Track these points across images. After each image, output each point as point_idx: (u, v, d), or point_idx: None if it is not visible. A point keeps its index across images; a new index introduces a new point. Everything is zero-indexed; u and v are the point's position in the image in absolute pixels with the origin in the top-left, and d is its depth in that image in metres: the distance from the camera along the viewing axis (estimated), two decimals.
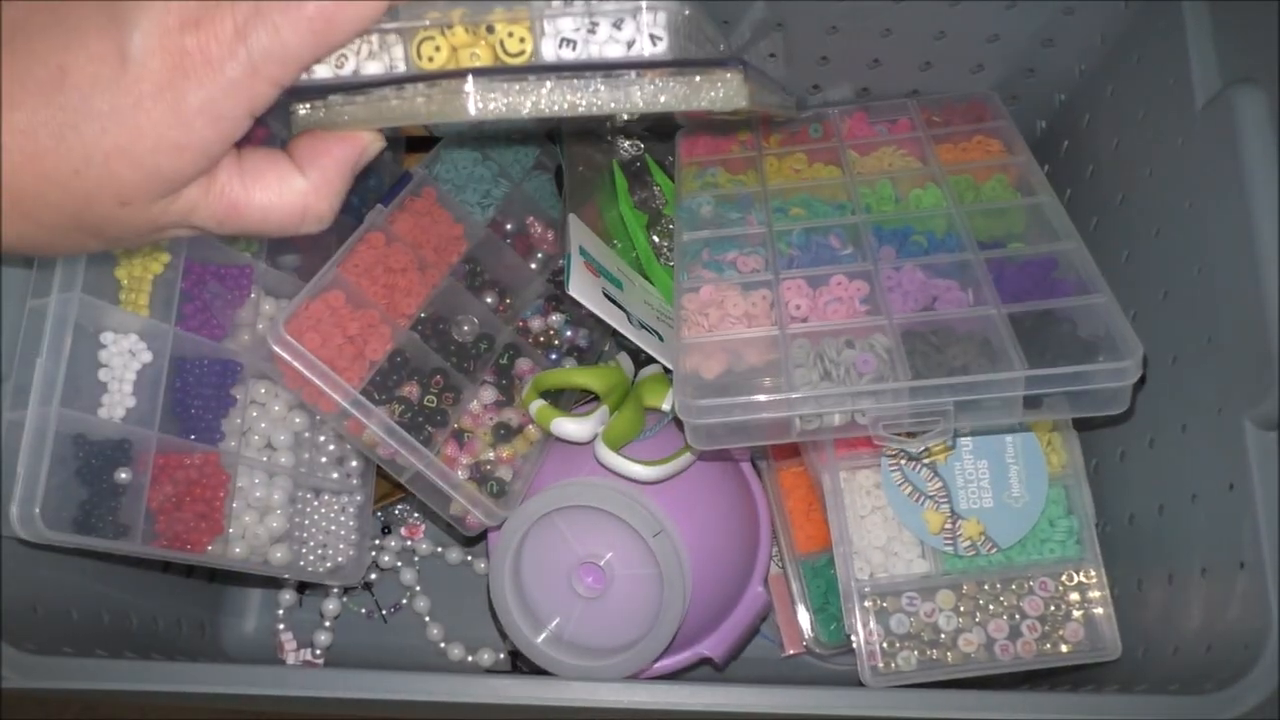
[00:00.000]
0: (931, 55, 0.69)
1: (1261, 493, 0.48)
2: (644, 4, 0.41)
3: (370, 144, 0.45)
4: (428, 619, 0.76)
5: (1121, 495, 0.60)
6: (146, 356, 0.58)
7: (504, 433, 0.63)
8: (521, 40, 0.42)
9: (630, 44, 0.42)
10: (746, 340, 0.56)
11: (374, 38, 0.43)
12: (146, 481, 0.57)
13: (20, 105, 0.36)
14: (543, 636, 0.60)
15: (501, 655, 0.74)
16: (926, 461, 0.60)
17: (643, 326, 0.65)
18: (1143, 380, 0.49)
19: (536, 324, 0.70)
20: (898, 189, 0.64)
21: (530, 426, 0.65)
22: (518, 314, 0.69)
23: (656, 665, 0.63)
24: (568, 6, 0.42)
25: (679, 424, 0.65)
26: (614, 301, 0.64)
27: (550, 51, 0.42)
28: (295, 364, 0.57)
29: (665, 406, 0.66)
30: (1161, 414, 0.57)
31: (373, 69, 0.43)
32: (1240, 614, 0.48)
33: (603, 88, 0.43)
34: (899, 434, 0.52)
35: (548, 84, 0.42)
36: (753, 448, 0.70)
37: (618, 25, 0.42)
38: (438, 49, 0.43)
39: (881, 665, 0.58)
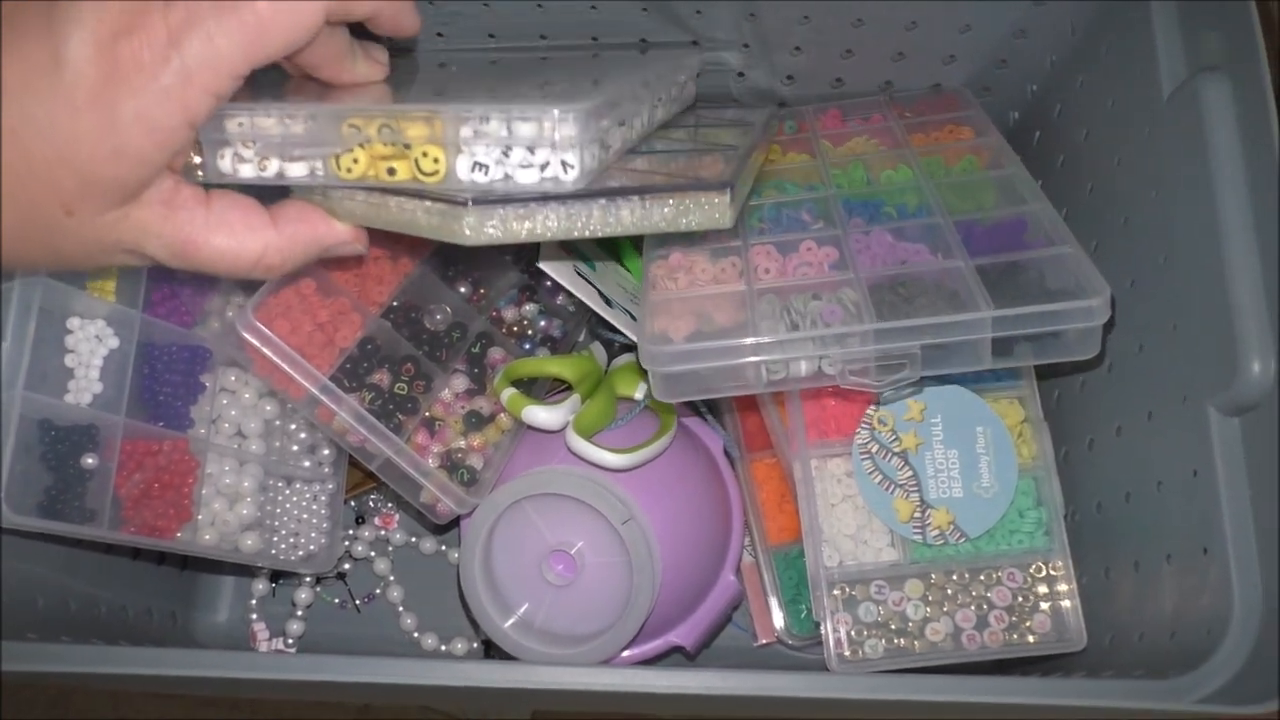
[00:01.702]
0: (904, 46, 0.69)
1: (1225, 479, 0.48)
2: (555, 111, 0.41)
3: (349, 244, 0.46)
4: (401, 609, 0.76)
5: (1090, 483, 0.60)
6: (114, 342, 0.57)
7: (475, 421, 0.63)
8: (436, 161, 0.43)
9: (544, 166, 0.43)
10: (714, 298, 0.55)
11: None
12: (114, 467, 0.56)
13: None
14: (511, 622, 0.60)
15: (475, 645, 0.74)
16: (898, 450, 0.60)
17: (615, 306, 0.65)
18: (1110, 325, 0.49)
19: (510, 314, 0.70)
20: (870, 171, 0.64)
21: (502, 415, 0.65)
22: (492, 304, 0.69)
23: (627, 654, 0.64)
24: (481, 126, 0.42)
25: (649, 409, 0.65)
26: (586, 280, 0.64)
27: (464, 173, 0.43)
28: (264, 350, 0.57)
29: (638, 395, 0.66)
30: (1128, 401, 0.57)
31: (296, 172, 0.44)
32: (1204, 600, 0.48)
33: (596, 213, 0.44)
34: (866, 380, 0.52)
35: (545, 212, 0.43)
36: (726, 438, 0.70)
37: (530, 149, 0.42)
38: (355, 161, 0.43)
39: (849, 653, 0.58)
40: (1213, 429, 0.49)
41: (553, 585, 0.60)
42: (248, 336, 0.56)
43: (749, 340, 0.51)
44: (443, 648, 0.74)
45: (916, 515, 0.60)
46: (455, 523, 0.64)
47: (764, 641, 0.72)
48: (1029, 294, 0.50)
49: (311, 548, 0.67)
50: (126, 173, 0.38)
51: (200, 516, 0.61)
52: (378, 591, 0.77)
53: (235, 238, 0.42)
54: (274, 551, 0.65)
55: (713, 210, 0.45)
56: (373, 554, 0.76)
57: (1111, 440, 0.58)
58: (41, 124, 0.37)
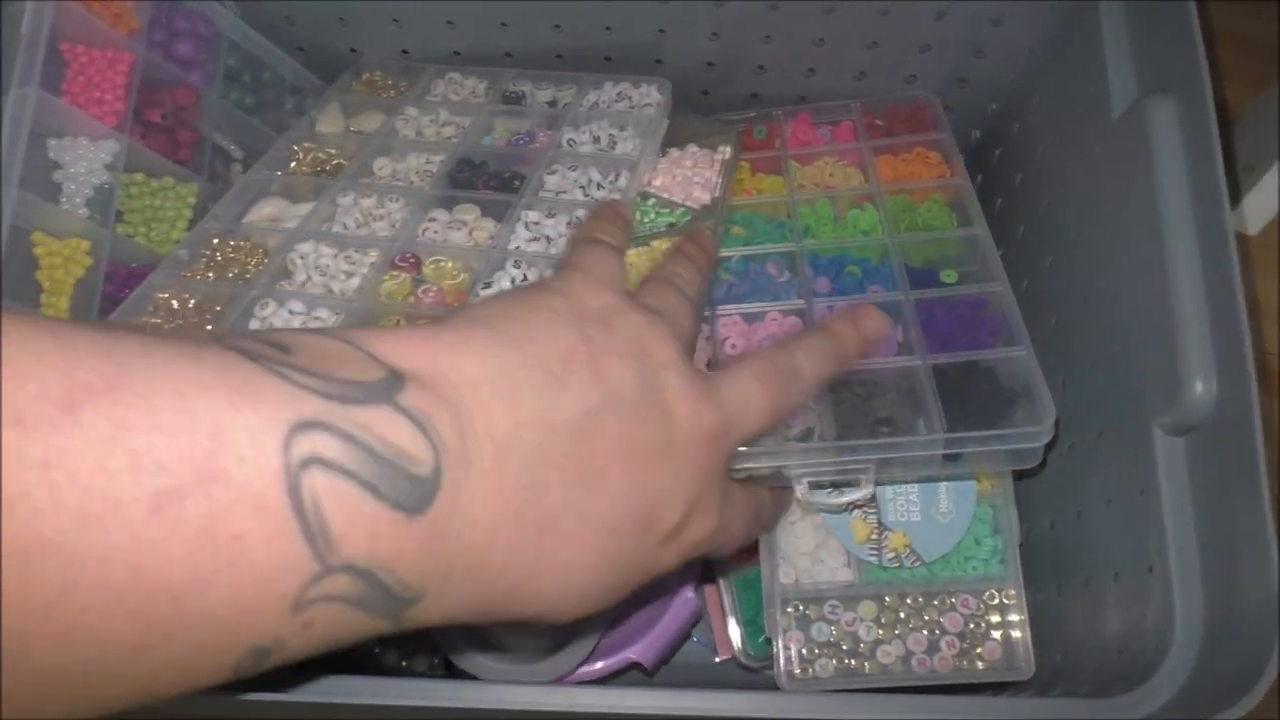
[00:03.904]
0: (865, 65, 0.70)
1: (1168, 498, 0.48)
2: None
3: None
4: None
5: (1044, 500, 0.61)
6: None
7: None
8: None
9: None
10: None
11: None
12: None
13: None
14: (465, 638, 0.60)
15: (435, 660, 0.74)
16: None
17: None
18: (1055, 437, 0.51)
19: None
20: (836, 208, 0.65)
21: None
22: None
23: (585, 670, 0.63)
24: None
25: None
26: None
27: None
28: None
29: None
30: (1080, 420, 0.57)
31: None
32: (1149, 618, 0.49)
33: None
34: (823, 500, 0.54)
35: None
36: None
37: None
38: None
39: (799, 671, 0.58)
40: (1157, 448, 0.49)
41: None
42: None
43: None
44: (403, 663, 0.74)
45: (873, 537, 0.60)
46: None
47: (724, 657, 0.72)
48: (981, 409, 0.53)
49: None
50: None
51: None
52: None
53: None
54: None
55: None
56: None
57: (1065, 457, 0.59)
58: None
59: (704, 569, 0.69)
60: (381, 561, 0.29)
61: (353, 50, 0.73)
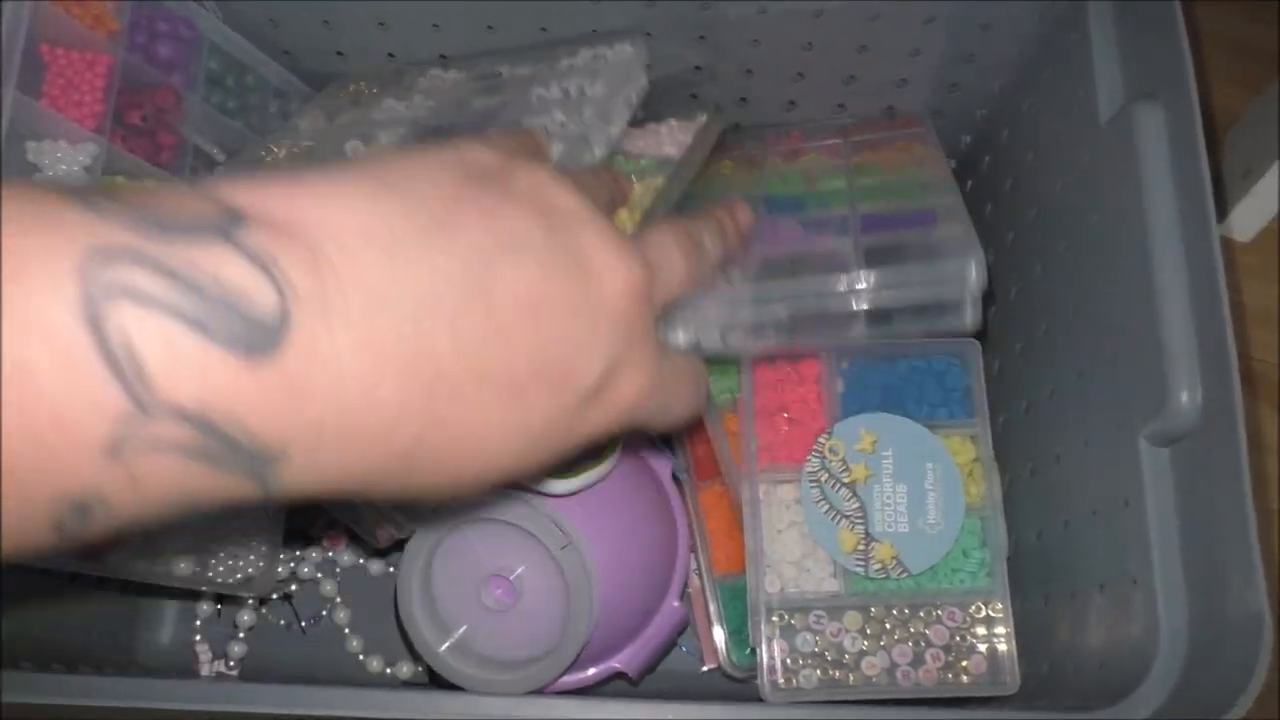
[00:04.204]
0: (855, 69, 0.70)
1: (1153, 509, 0.48)
2: None
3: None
4: (347, 630, 0.75)
5: (1031, 510, 0.60)
6: None
7: None
8: None
9: None
10: None
11: None
12: None
13: None
14: (445, 646, 0.59)
15: (420, 668, 0.73)
16: (847, 481, 0.60)
17: None
18: (991, 298, 0.48)
19: None
20: (807, 181, 0.64)
21: None
22: None
23: (569, 680, 0.63)
24: None
25: None
26: None
27: None
28: None
29: None
30: (1067, 429, 0.57)
31: None
32: (1133, 630, 0.48)
33: None
34: (740, 341, 0.51)
35: None
36: (675, 462, 0.70)
37: None
38: None
39: (782, 681, 0.57)
40: (1143, 459, 0.49)
41: (491, 610, 0.59)
42: None
43: None
44: (388, 670, 0.74)
45: (860, 547, 0.59)
46: (403, 545, 0.63)
47: (711, 666, 0.72)
48: (902, 261, 0.50)
49: (251, 571, 0.66)
50: None
51: (132, 540, 0.60)
52: (324, 613, 0.76)
53: None
54: (211, 574, 0.65)
55: None
56: (320, 575, 0.76)
57: (1052, 467, 0.58)
58: None
59: (688, 578, 0.69)
60: (220, 408, 0.26)
61: (339, 53, 0.72)
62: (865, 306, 0.49)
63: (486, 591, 0.59)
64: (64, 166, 0.56)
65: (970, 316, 0.48)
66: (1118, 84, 0.55)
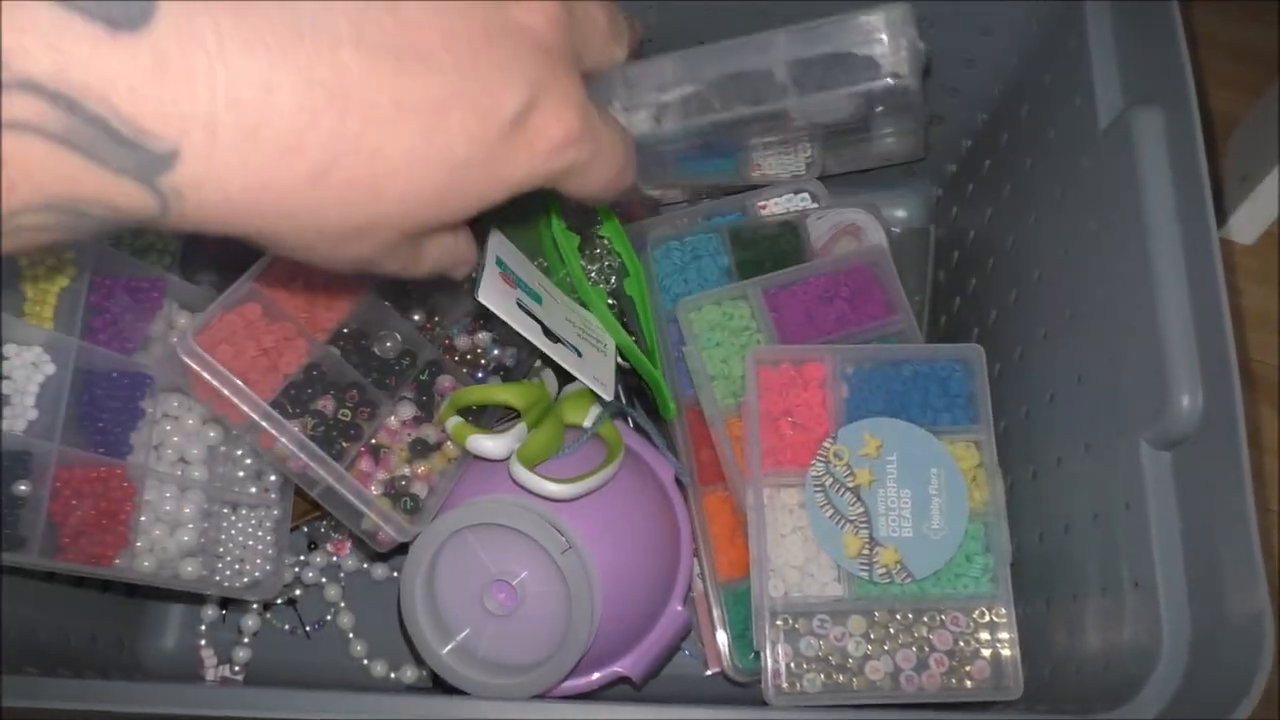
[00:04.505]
0: None
1: (1155, 512, 0.48)
2: None
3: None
4: (351, 635, 0.75)
5: (1032, 514, 0.60)
6: (50, 369, 0.57)
7: (421, 449, 0.63)
8: None
9: None
10: None
11: None
12: (47, 494, 0.56)
13: None
14: (448, 649, 0.59)
15: (424, 672, 0.73)
16: (851, 485, 0.60)
17: (559, 341, 0.64)
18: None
19: (463, 342, 0.70)
20: None
21: (448, 443, 0.64)
22: (444, 332, 0.69)
23: (573, 684, 0.63)
24: None
25: (598, 437, 0.65)
26: (528, 314, 0.63)
27: None
28: (205, 375, 0.56)
29: (587, 423, 0.66)
30: (1067, 433, 0.57)
31: None
32: (1135, 634, 0.48)
33: None
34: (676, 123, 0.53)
35: None
36: (678, 466, 0.70)
37: None
38: None
39: (786, 685, 0.57)
40: (1144, 462, 0.49)
41: (494, 615, 0.59)
42: (188, 361, 0.56)
43: None
44: (392, 675, 0.74)
45: (864, 552, 0.59)
46: (405, 549, 0.63)
47: (714, 670, 0.72)
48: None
49: (256, 574, 0.67)
50: None
51: (138, 543, 0.60)
52: (328, 618, 0.76)
53: None
54: (217, 578, 0.65)
55: None
56: (324, 580, 0.76)
57: (1053, 471, 0.58)
58: None
59: (692, 582, 0.69)
60: (82, 83, 0.24)
61: None
62: (783, 58, 0.49)
63: (489, 596, 0.60)
64: None
65: (891, 67, 0.49)
66: (1116, 89, 0.56)
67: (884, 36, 0.47)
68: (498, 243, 0.66)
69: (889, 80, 0.47)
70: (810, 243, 0.73)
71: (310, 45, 0.27)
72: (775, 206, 0.75)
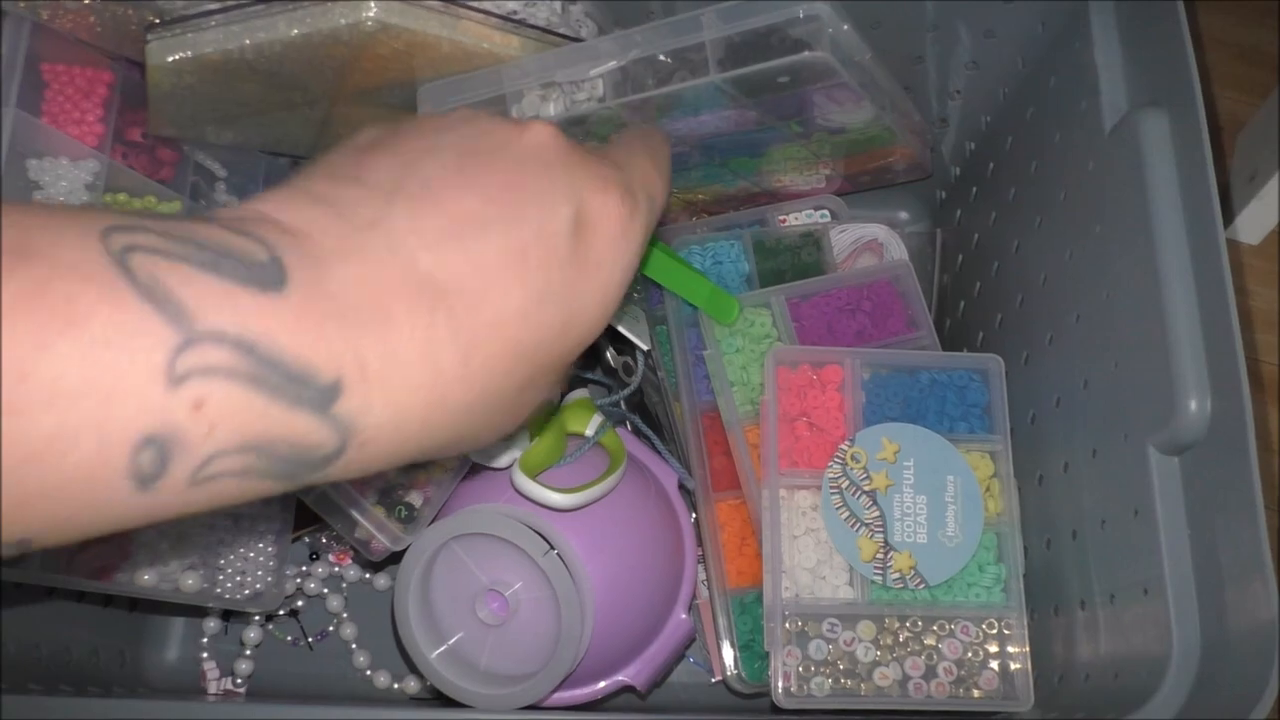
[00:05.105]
0: None
1: (1163, 518, 0.48)
2: None
3: None
4: (354, 646, 0.75)
5: (1041, 519, 0.60)
6: None
7: None
8: None
9: None
10: None
11: None
12: None
13: None
14: (437, 654, 0.59)
15: (427, 683, 0.73)
16: (867, 489, 0.60)
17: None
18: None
19: None
20: None
21: None
22: None
23: (578, 694, 0.63)
24: None
25: (600, 446, 0.65)
26: None
27: None
28: None
29: (589, 431, 0.66)
30: (1074, 438, 0.56)
31: None
32: (1144, 641, 0.48)
33: None
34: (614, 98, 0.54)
35: None
36: (681, 473, 0.69)
37: None
38: None
39: (794, 688, 0.57)
40: (1152, 467, 0.48)
41: (488, 625, 0.59)
42: None
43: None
44: (395, 685, 0.73)
45: (879, 556, 0.59)
46: (400, 557, 0.63)
47: (720, 678, 0.71)
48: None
49: (258, 586, 0.66)
50: None
51: (139, 556, 0.60)
52: (331, 628, 0.76)
53: None
54: (219, 590, 0.64)
55: None
56: (326, 590, 0.76)
57: (1059, 477, 0.58)
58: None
59: (696, 589, 0.69)
60: (256, 331, 0.29)
61: None
62: (710, 36, 0.51)
63: (482, 605, 0.59)
64: (64, 183, 0.56)
65: (813, 48, 0.50)
66: (1121, 91, 0.55)
67: (801, 12, 0.49)
68: None
69: (805, 54, 0.50)
70: (832, 255, 0.73)
71: (403, 261, 0.33)
72: (794, 221, 0.75)
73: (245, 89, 0.59)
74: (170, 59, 0.55)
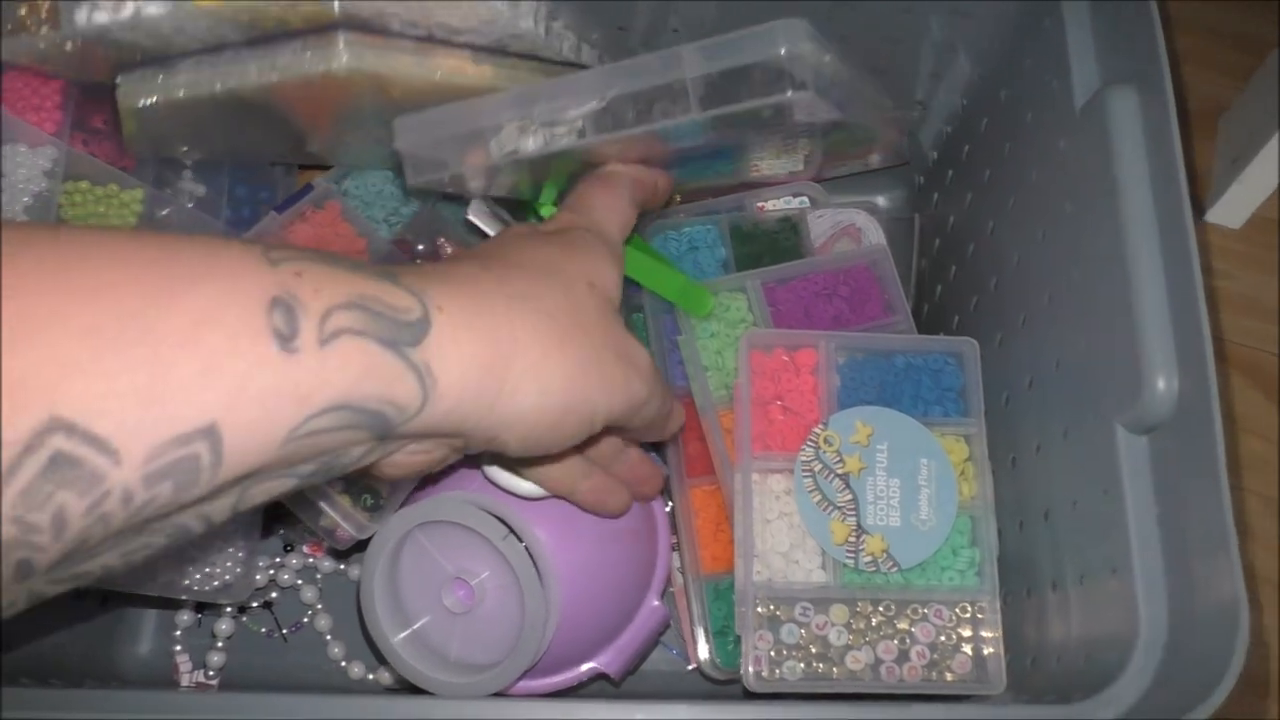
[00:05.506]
0: None
1: (1131, 498, 0.47)
2: None
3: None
4: (329, 637, 0.74)
5: (1013, 501, 0.59)
6: None
7: None
8: None
9: None
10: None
11: None
12: None
13: None
14: (400, 638, 0.58)
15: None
16: (840, 472, 0.60)
17: None
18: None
19: None
20: None
21: None
22: None
23: (551, 681, 0.62)
24: None
25: None
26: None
27: None
28: None
29: None
30: (1046, 419, 0.56)
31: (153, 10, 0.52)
32: (1113, 621, 0.47)
33: None
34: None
35: None
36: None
37: None
38: None
39: (766, 672, 0.57)
40: (1120, 447, 0.48)
41: (454, 613, 0.58)
42: None
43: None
44: (370, 676, 0.73)
45: (851, 539, 0.59)
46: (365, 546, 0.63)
47: (695, 665, 0.71)
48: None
49: (227, 577, 0.66)
50: None
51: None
52: (305, 620, 0.75)
53: None
54: (186, 581, 0.64)
55: None
56: (300, 582, 0.75)
57: (1032, 458, 0.57)
58: None
59: (670, 576, 0.68)
60: (364, 296, 0.36)
61: None
62: (691, 74, 0.51)
63: (449, 594, 0.59)
64: (23, 170, 0.55)
65: (796, 83, 0.50)
66: (1093, 70, 0.55)
67: (782, 50, 0.49)
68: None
69: (788, 93, 0.49)
70: (810, 240, 0.73)
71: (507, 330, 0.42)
72: (773, 207, 0.75)
73: (219, 122, 0.59)
74: (141, 103, 0.56)
